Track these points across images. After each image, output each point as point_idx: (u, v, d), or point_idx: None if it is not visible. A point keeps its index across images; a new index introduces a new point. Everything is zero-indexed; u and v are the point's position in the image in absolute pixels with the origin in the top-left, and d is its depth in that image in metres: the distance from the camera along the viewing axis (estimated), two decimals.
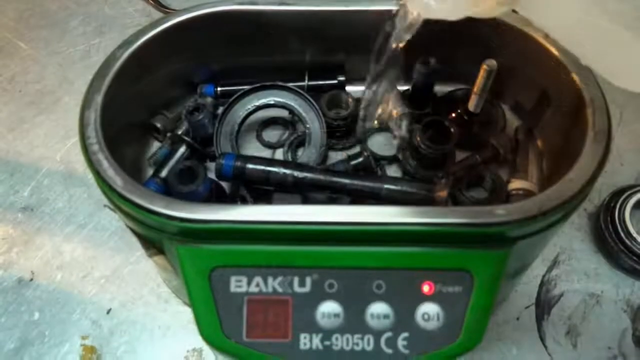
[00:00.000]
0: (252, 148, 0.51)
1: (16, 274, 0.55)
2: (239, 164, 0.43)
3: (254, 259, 0.36)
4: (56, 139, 0.65)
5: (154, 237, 0.38)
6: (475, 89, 0.45)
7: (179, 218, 0.35)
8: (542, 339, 0.51)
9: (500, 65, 0.44)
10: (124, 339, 0.52)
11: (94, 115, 0.39)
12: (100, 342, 0.51)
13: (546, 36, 0.45)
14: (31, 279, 0.55)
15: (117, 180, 0.36)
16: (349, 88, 0.52)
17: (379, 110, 0.48)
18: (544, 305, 0.53)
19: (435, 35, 0.48)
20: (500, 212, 0.35)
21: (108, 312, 0.53)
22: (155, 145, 0.49)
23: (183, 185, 0.40)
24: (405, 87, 0.52)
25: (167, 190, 0.43)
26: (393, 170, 0.50)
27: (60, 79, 0.70)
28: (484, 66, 0.43)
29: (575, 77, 0.42)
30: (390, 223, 0.35)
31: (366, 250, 0.36)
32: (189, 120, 0.45)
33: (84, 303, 0.54)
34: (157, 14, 0.75)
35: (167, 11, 0.75)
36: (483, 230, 0.35)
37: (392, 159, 0.50)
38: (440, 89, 0.52)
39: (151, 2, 0.76)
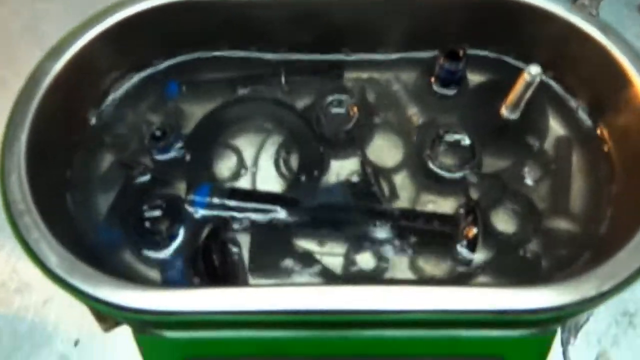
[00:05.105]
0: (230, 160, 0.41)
1: None
2: (215, 200, 0.35)
3: (229, 349, 0.29)
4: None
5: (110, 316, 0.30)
6: (511, 98, 0.36)
7: (132, 309, 0.27)
8: None
9: (543, 64, 0.34)
10: None
11: (17, 163, 0.29)
12: None
13: (605, 29, 0.35)
14: None
15: (50, 257, 0.28)
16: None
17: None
18: (570, 328, 0.47)
19: (466, 21, 0.39)
20: (549, 296, 0.27)
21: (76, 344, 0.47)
22: (108, 160, 0.39)
23: (148, 247, 0.32)
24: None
25: (126, 239, 0.34)
26: (401, 181, 0.42)
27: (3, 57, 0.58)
28: (525, 75, 0.33)
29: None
30: (404, 311, 0.27)
31: (376, 335, 0.29)
32: (152, 147, 0.36)
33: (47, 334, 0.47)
34: None
35: None
36: (524, 318, 0.27)
37: (397, 169, 0.41)
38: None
39: None
